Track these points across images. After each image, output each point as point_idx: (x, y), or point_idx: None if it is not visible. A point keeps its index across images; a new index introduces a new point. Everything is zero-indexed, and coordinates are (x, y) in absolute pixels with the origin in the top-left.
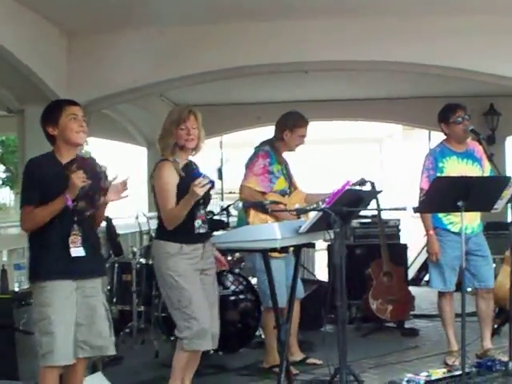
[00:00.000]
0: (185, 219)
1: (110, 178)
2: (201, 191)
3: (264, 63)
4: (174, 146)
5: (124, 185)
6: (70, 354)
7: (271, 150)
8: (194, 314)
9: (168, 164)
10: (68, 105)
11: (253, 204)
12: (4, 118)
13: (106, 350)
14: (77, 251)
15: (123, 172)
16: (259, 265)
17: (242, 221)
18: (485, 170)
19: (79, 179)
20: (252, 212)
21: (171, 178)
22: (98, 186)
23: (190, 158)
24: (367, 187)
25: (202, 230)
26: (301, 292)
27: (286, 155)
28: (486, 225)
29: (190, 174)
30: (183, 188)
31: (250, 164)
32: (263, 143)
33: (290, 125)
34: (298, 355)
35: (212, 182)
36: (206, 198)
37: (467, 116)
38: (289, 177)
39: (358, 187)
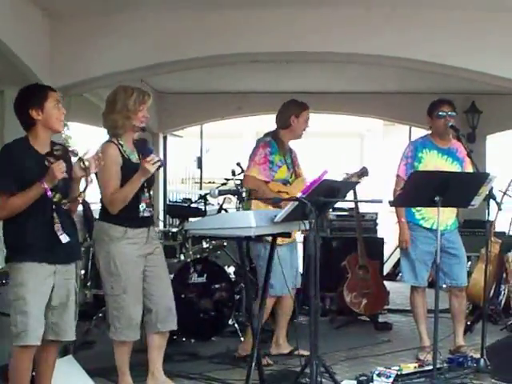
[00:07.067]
0: (129, 203)
1: (82, 155)
2: (152, 168)
3: (243, 52)
4: (131, 125)
5: (98, 157)
6: (40, 334)
7: (273, 141)
8: (125, 303)
9: (112, 146)
10: (51, 91)
11: (227, 192)
12: None
13: (71, 335)
14: (65, 237)
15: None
16: (263, 254)
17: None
18: (464, 171)
19: (59, 170)
20: (253, 203)
21: (114, 161)
22: (70, 176)
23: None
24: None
25: (146, 214)
26: (298, 282)
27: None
28: (463, 222)
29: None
30: (128, 170)
31: (252, 155)
32: (266, 134)
33: (296, 110)
34: (285, 348)
35: (161, 161)
36: (150, 180)
37: (452, 112)
38: (293, 166)
39: (358, 178)
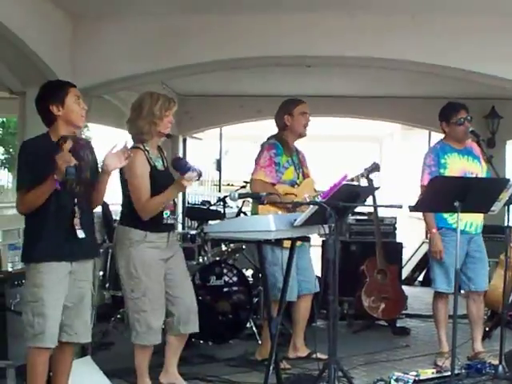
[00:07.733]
0: None
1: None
2: (189, 185)
3: (265, 55)
4: (157, 131)
5: (125, 151)
6: (56, 336)
7: (278, 142)
8: (145, 306)
9: (140, 152)
10: (71, 86)
11: (247, 195)
12: (5, 100)
13: (85, 337)
14: (81, 233)
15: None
16: (271, 257)
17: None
18: (483, 169)
19: (61, 160)
20: (261, 205)
21: (144, 167)
22: (89, 166)
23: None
24: (377, 174)
25: (169, 221)
26: (314, 287)
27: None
28: (483, 228)
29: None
30: (153, 177)
31: (257, 158)
32: (270, 137)
33: (287, 109)
34: (303, 351)
35: (200, 174)
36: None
37: (469, 117)
38: (301, 167)
39: (369, 173)
